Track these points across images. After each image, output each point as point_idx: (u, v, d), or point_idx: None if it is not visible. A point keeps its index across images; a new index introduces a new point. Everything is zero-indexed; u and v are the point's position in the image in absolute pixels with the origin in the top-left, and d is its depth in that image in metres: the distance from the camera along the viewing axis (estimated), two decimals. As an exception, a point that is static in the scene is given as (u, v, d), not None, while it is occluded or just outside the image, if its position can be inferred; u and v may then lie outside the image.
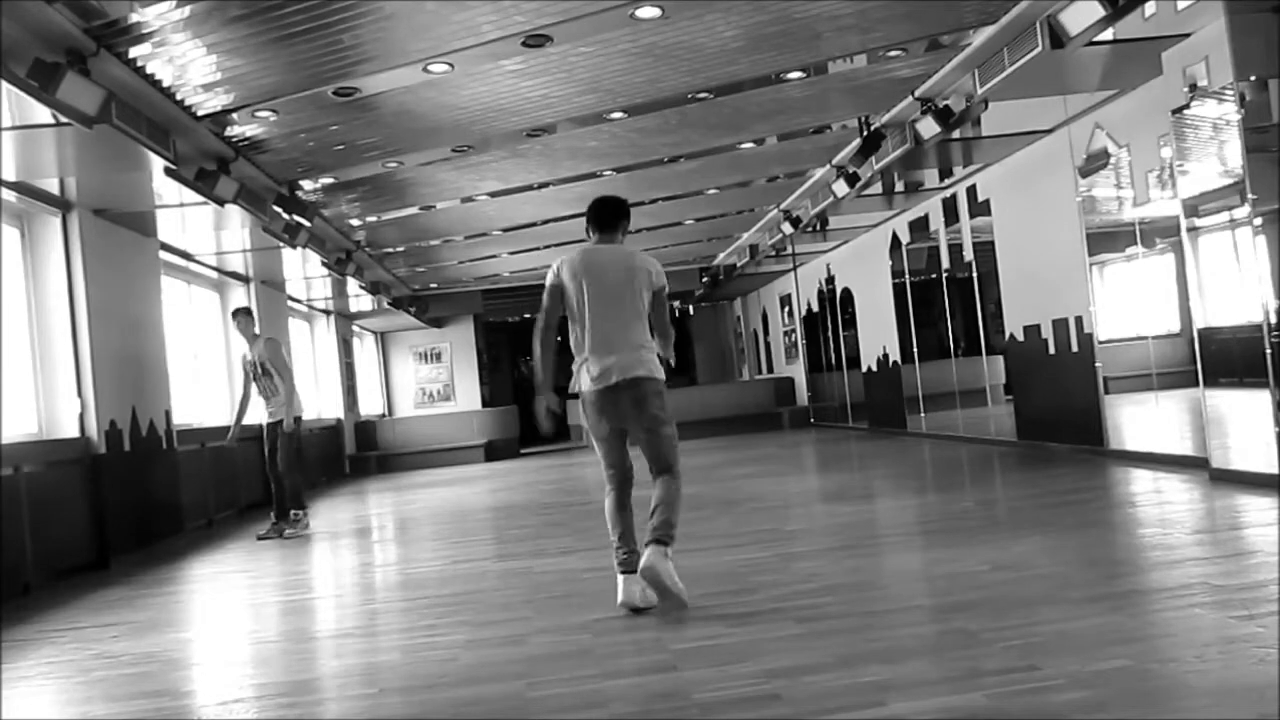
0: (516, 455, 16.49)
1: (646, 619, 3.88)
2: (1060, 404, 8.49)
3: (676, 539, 3.93)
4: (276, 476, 7.78)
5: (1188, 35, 5.84)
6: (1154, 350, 7.64)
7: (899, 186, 10.61)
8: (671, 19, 5.62)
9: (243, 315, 7.95)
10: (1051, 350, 8.55)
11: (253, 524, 9.17)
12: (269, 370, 7.77)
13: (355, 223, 10.26)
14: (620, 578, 4.01)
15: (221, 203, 6.69)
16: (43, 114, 5.12)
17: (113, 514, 7.02)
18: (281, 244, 8.51)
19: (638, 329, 4.05)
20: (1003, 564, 4.29)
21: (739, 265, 15.51)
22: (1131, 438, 7.82)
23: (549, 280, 4.15)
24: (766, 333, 19.34)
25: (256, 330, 7.99)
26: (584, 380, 4.04)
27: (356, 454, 15.73)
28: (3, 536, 5.75)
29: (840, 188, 9.06)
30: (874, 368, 13.45)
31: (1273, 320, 5.31)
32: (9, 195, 6.56)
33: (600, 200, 4.31)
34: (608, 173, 9.18)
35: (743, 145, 8.99)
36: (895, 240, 12.12)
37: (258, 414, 10.95)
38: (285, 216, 7.99)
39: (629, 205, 4.39)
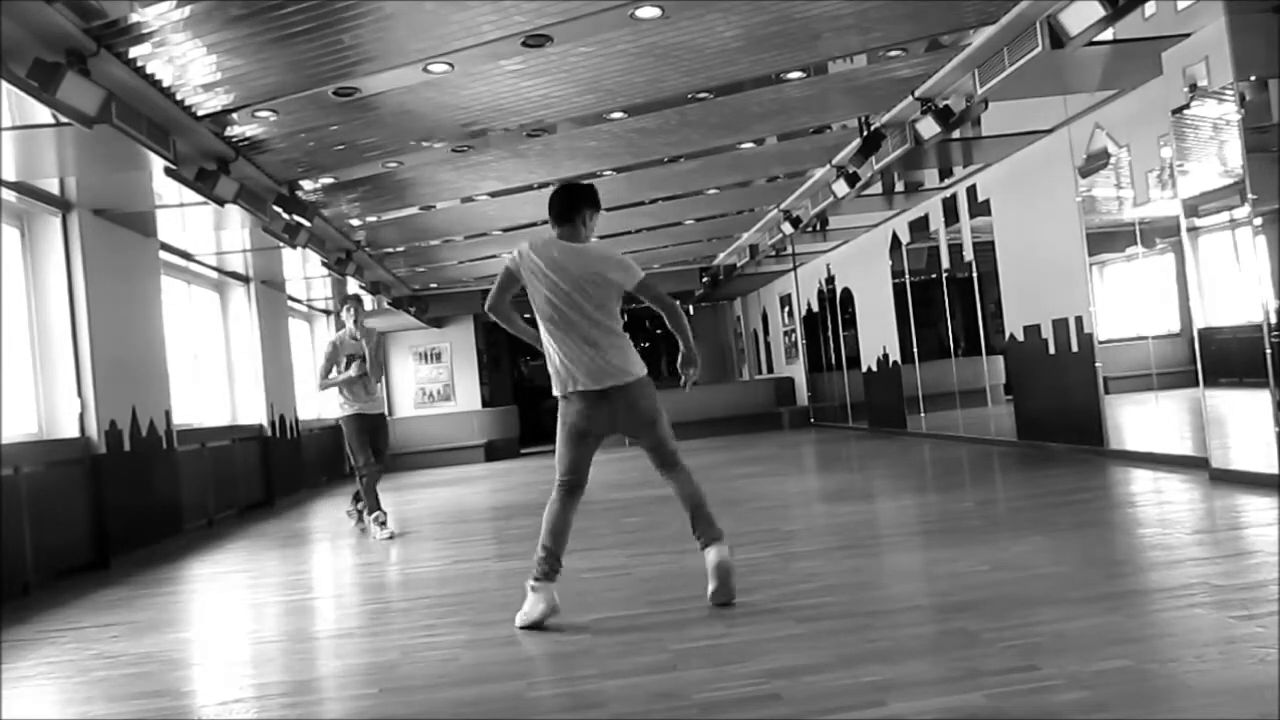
0: (516, 455, 16.49)
1: (647, 619, 3.89)
2: (1060, 404, 8.49)
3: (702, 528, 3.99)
4: (369, 460, 7.52)
5: (1188, 35, 5.85)
6: (1154, 350, 7.64)
7: (899, 186, 10.61)
8: (671, 19, 5.61)
9: (357, 305, 7.64)
10: (1051, 350, 8.55)
11: (253, 524, 9.18)
12: (371, 364, 7.51)
13: (355, 223, 10.26)
14: (533, 589, 3.88)
15: (221, 203, 6.69)
16: (43, 114, 5.11)
17: (113, 514, 7.02)
18: (281, 244, 8.51)
19: (612, 326, 3.92)
20: (1003, 564, 4.29)
21: (739, 265, 15.50)
22: (1131, 438, 7.82)
23: (506, 263, 4.00)
24: (766, 333, 19.33)
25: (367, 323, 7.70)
26: (571, 383, 3.92)
27: (356, 454, 15.71)
28: (3, 536, 5.75)
29: (840, 188, 9.06)
30: (874, 368, 13.45)
31: (1273, 320, 5.31)
32: (9, 195, 6.56)
33: (559, 189, 4.11)
34: (608, 173, 9.18)
35: (743, 145, 8.99)
36: (895, 240, 12.12)
37: (251, 413, 11.01)
38: (285, 216, 7.98)
39: (591, 192, 4.12)
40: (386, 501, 7.44)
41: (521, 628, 3.86)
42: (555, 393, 4.01)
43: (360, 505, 7.65)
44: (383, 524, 7.32)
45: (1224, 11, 5.47)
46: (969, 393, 10.73)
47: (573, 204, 4.05)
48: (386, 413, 7.78)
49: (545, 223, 12.51)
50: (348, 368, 7.44)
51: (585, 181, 4.24)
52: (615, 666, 3.26)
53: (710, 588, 3.91)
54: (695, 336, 4.17)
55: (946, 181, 10.24)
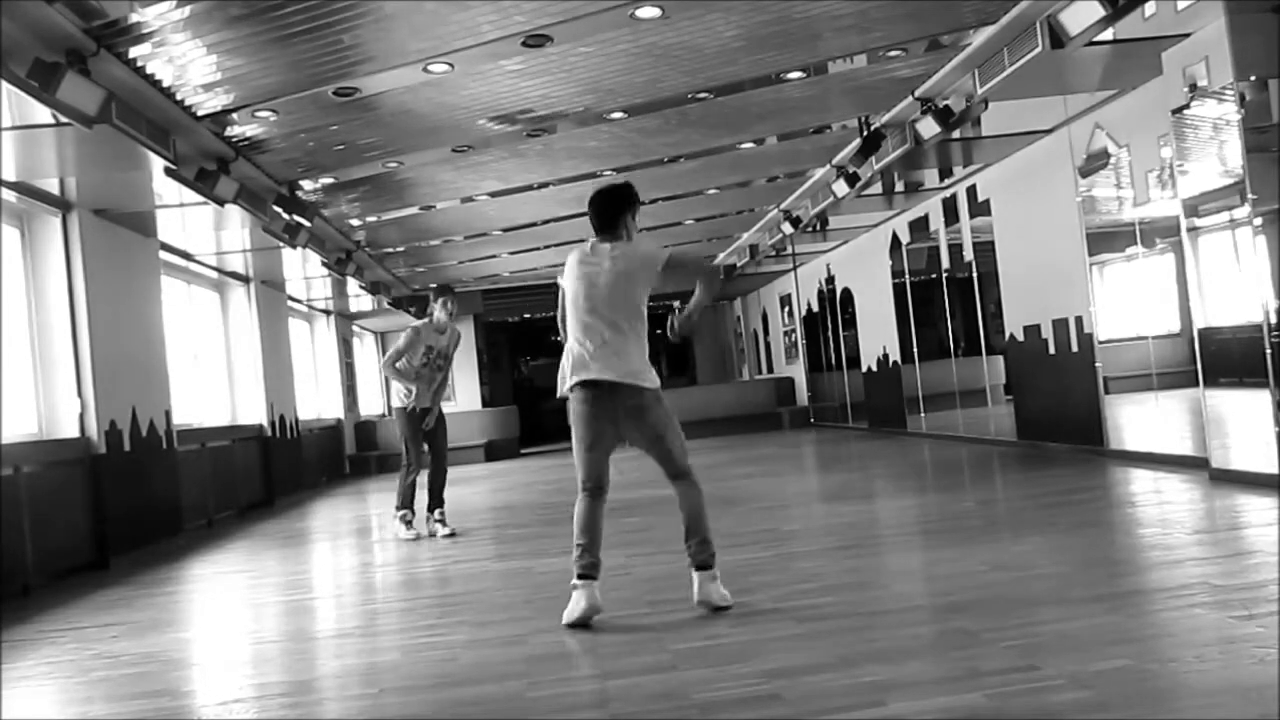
0: (516, 455, 16.48)
1: (646, 619, 3.89)
2: (1060, 404, 8.49)
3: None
4: (419, 461, 7.21)
5: (1188, 35, 5.85)
6: (1154, 350, 7.64)
7: (899, 186, 10.61)
8: (671, 19, 5.61)
9: (453, 299, 7.20)
10: (1051, 350, 8.55)
11: (253, 524, 9.18)
12: (446, 360, 7.22)
13: (355, 223, 10.26)
14: (574, 588, 3.85)
15: (221, 203, 6.69)
16: (43, 114, 5.11)
17: (113, 514, 7.02)
18: (281, 244, 8.51)
19: (634, 336, 3.88)
20: (1003, 564, 4.29)
21: (739, 265, 15.50)
22: (1131, 438, 7.82)
23: (560, 282, 4.06)
24: (766, 333, 19.33)
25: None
26: (572, 381, 3.90)
27: (356, 454, 15.73)
28: (3, 536, 5.75)
29: (840, 188, 9.06)
30: (874, 368, 13.45)
31: (1273, 320, 5.31)
32: (9, 195, 6.56)
33: (595, 195, 4.07)
34: (608, 173, 9.18)
35: (743, 145, 8.99)
36: (895, 240, 12.12)
37: (251, 413, 11.01)
38: (285, 216, 7.98)
39: (631, 191, 4.07)
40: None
41: (567, 625, 3.82)
42: (562, 391, 3.96)
43: (440, 513, 7.20)
44: (409, 523, 7.09)
45: (1224, 11, 5.46)
46: (969, 393, 10.72)
47: (614, 209, 4.02)
48: (441, 409, 7.31)
49: (545, 222, 12.49)
50: (426, 362, 7.07)
51: (621, 181, 4.16)
52: (615, 666, 3.26)
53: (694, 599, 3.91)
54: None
55: (946, 181, 10.24)
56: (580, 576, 3.87)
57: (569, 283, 3.98)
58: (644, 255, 3.96)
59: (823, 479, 9.06)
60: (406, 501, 7.16)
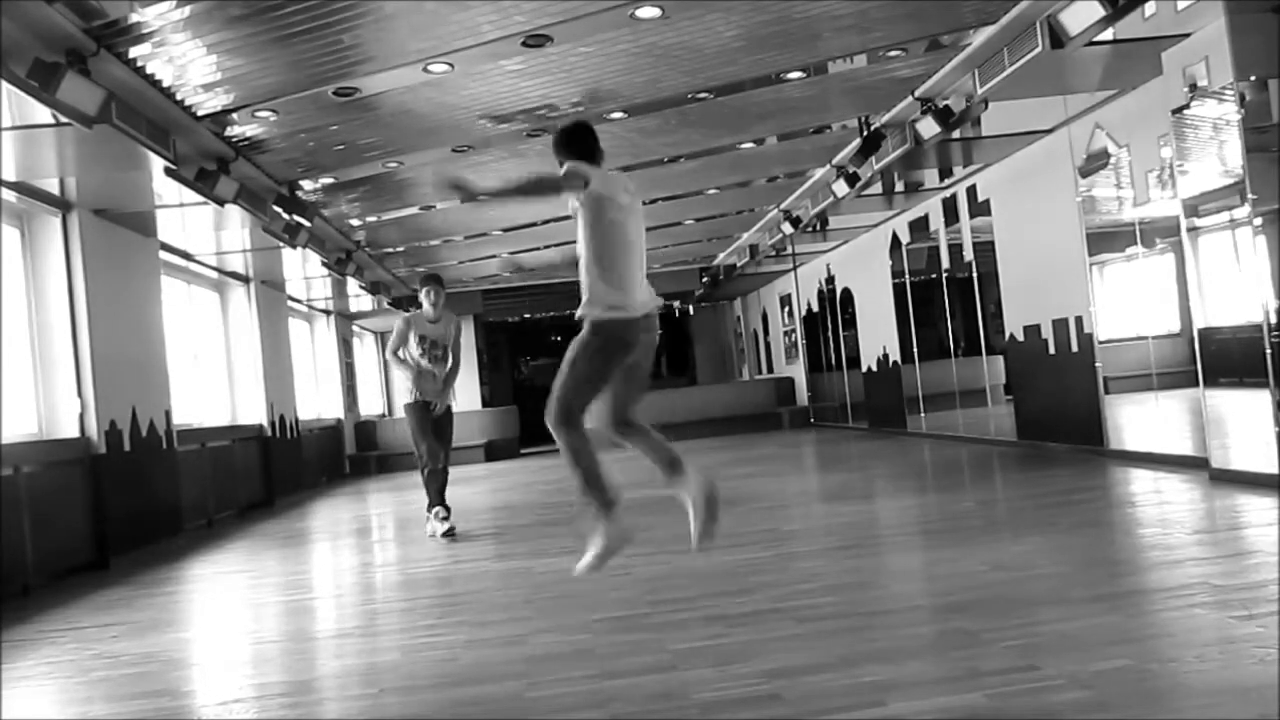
0: (516, 455, 16.48)
1: (647, 619, 3.89)
2: (1060, 404, 8.49)
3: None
4: (432, 451, 6.96)
5: (1188, 35, 5.85)
6: (1154, 350, 7.64)
7: (899, 186, 10.61)
8: (671, 19, 5.62)
9: (437, 286, 7.03)
10: (1051, 350, 8.55)
11: (253, 524, 9.18)
12: (447, 350, 7.06)
13: (355, 223, 10.26)
14: (610, 518, 3.78)
15: (221, 203, 6.69)
16: (43, 114, 5.11)
17: (113, 514, 7.02)
18: (281, 244, 8.51)
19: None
20: (1003, 564, 4.29)
21: (739, 265, 15.51)
22: (1131, 438, 7.82)
23: (579, 170, 4.03)
24: (766, 333, 19.33)
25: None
26: (631, 306, 3.83)
27: (356, 454, 15.73)
28: (3, 536, 5.75)
29: (840, 188, 9.06)
30: (874, 368, 13.45)
31: (1273, 320, 5.31)
32: (9, 195, 6.56)
33: (575, 127, 4.35)
34: (608, 173, 9.18)
35: (743, 145, 8.99)
36: (895, 240, 12.12)
37: (251, 413, 11.01)
38: (285, 216, 7.99)
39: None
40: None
41: (595, 564, 3.77)
42: (630, 313, 3.84)
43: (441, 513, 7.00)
44: (444, 519, 6.87)
45: (1224, 11, 5.46)
46: (969, 393, 10.72)
47: (593, 137, 4.38)
48: (453, 406, 7.26)
49: (545, 222, 12.45)
50: (422, 351, 6.93)
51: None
52: (615, 666, 3.26)
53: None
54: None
55: (946, 181, 10.23)
56: (608, 505, 3.78)
57: (616, 209, 4.02)
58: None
59: (823, 479, 9.06)
60: (434, 497, 6.98)
